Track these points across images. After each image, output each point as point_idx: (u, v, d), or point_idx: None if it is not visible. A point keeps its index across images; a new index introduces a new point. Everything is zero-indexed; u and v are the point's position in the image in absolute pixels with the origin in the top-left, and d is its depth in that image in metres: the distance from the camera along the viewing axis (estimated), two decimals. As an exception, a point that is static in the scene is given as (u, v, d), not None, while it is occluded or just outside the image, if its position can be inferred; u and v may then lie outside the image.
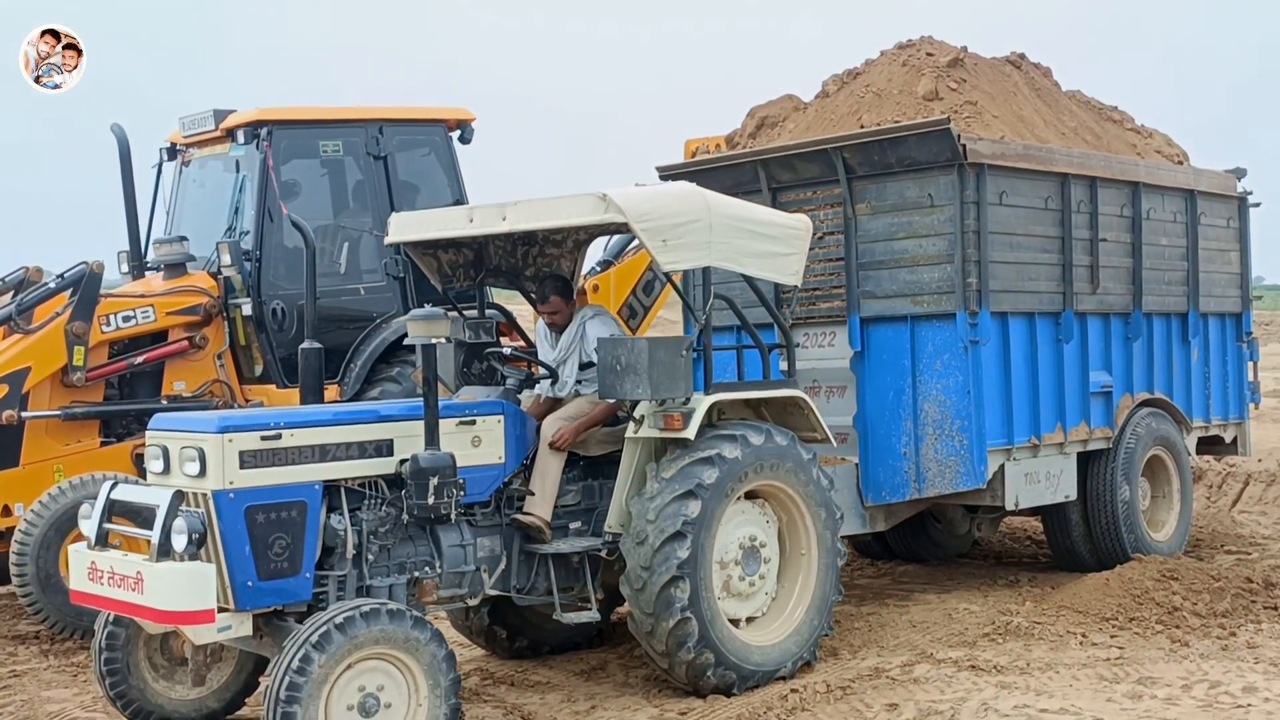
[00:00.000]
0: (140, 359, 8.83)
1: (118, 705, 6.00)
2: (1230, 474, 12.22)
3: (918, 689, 6.41)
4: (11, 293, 8.89)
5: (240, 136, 9.22)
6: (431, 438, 5.96)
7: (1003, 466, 7.99)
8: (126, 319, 8.71)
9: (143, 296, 8.92)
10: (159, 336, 8.98)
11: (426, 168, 9.88)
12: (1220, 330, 9.83)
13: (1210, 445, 10.04)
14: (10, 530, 7.99)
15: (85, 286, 8.49)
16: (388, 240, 7.29)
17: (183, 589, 5.26)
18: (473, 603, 6.49)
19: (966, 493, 7.96)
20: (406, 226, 7.14)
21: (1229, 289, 9.90)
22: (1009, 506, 8.13)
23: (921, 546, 9.68)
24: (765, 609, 6.83)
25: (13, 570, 7.74)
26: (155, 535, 5.38)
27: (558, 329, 7.15)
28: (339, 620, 5.21)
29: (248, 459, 5.58)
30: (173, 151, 10.01)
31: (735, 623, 6.67)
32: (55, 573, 7.67)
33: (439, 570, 6.16)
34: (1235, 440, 10.07)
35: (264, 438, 5.66)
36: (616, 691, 6.69)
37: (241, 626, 5.58)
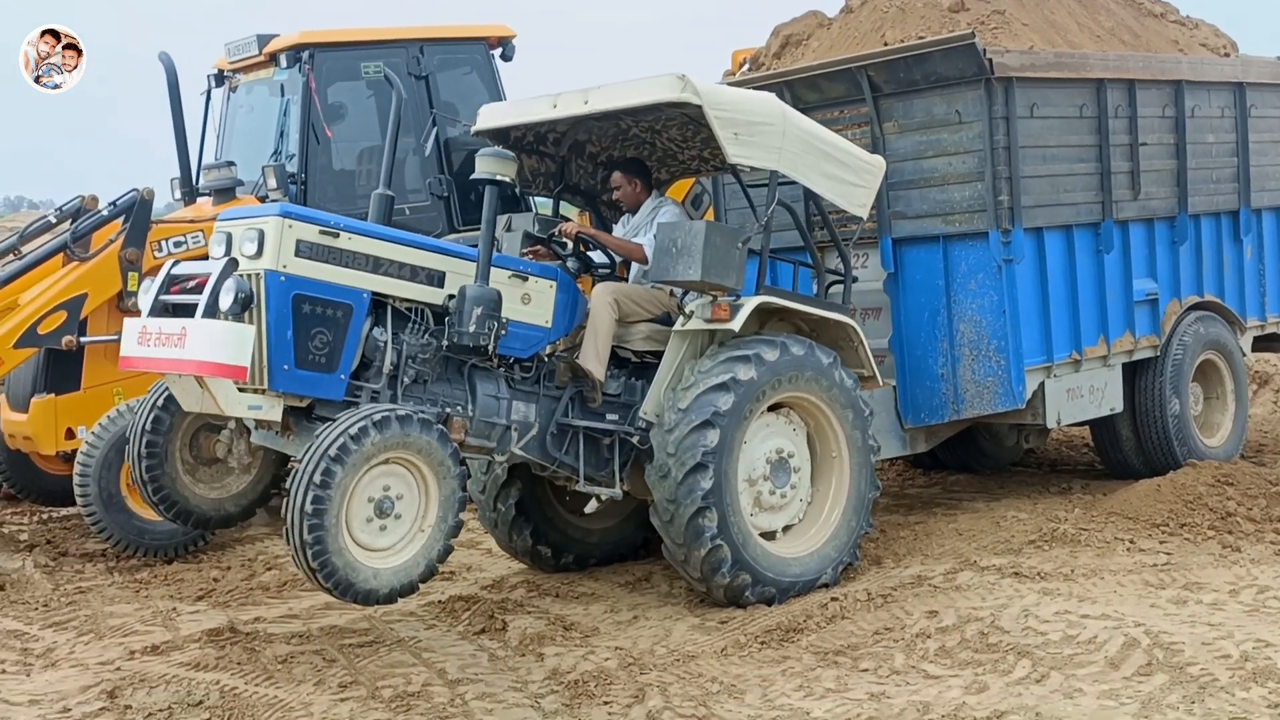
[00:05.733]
0: (192, 284, 8.94)
1: (148, 489, 6.23)
2: (1301, 377, 11.98)
3: (959, 596, 6.42)
4: (69, 221, 9.04)
5: (283, 61, 9.27)
6: (483, 274, 6.10)
7: (1042, 385, 7.87)
8: (178, 244, 8.83)
9: (193, 222, 9.03)
10: (211, 261, 9.10)
11: (468, 86, 9.86)
12: (1276, 224, 9.54)
13: (1270, 343, 9.82)
14: (74, 453, 8.22)
15: (137, 213, 8.62)
16: (475, 129, 7.35)
17: (220, 342, 5.46)
18: (500, 459, 6.57)
19: (1007, 412, 7.87)
20: (494, 114, 7.25)
21: (1285, 180, 9.58)
22: (1050, 425, 8.05)
23: (971, 458, 9.61)
24: (801, 515, 6.85)
25: (76, 491, 7.97)
26: (204, 296, 5.60)
27: (627, 210, 7.29)
28: (353, 431, 5.32)
29: (304, 248, 5.78)
30: (220, 78, 10.09)
31: (771, 535, 6.71)
32: (117, 492, 7.91)
33: (471, 414, 6.26)
34: None
35: (322, 232, 5.85)
36: (659, 602, 6.77)
37: (272, 410, 5.78)
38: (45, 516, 9.42)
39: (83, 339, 8.46)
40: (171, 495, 6.25)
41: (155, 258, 8.74)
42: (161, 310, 5.93)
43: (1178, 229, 8.72)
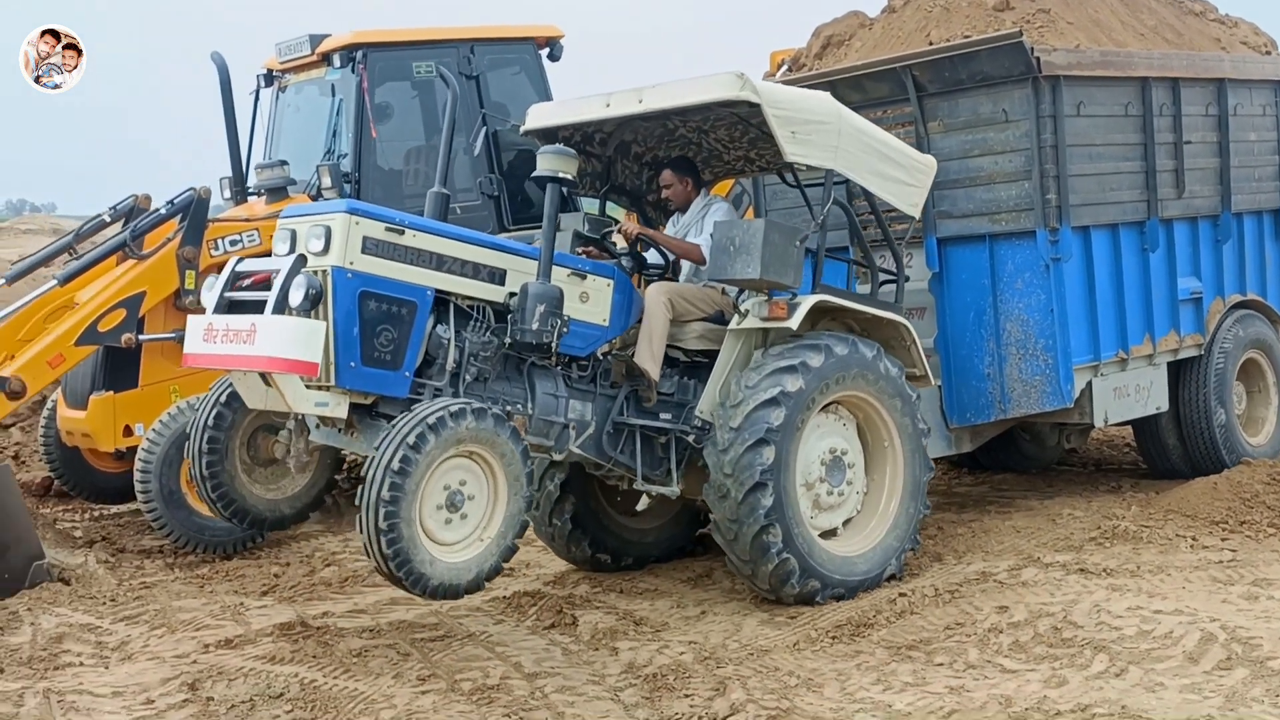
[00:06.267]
0: (248, 281, 9.00)
1: (206, 486, 6.28)
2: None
3: (1027, 592, 6.44)
4: (123, 220, 9.09)
5: (336, 60, 9.33)
6: (545, 272, 6.15)
7: (1090, 383, 7.88)
8: (233, 243, 8.87)
9: (248, 220, 9.07)
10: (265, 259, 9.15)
11: (517, 86, 9.92)
12: None
13: None
14: (133, 450, 8.27)
15: (194, 212, 8.66)
16: (524, 128, 7.37)
17: (291, 338, 5.51)
18: (558, 458, 6.59)
19: (1054, 411, 7.88)
20: (545, 114, 7.27)
21: (1325, 178, 9.59)
22: (1098, 424, 8.06)
23: (1012, 460, 9.61)
24: (859, 506, 6.85)
25: (137, 487, 8.04)
26: (273, 292, 5.62)
27: (676, 208, 7.34)
28: (454, 409, 5.41)
29: (370, 245, 5.81)
30: (270, 78, 10.14)
31: (832, 531, 6.72)
32: (178, 489, 7.98)
33: (530, 411, 6.29)
34: None
35: (388, 229, 5.88)
36: (725, 597, 6.80)
37: (338, 407, 5.80)
38: (98, 514, 9.49)
39: (141, 337, 8.51)
40: (229, 493, 6.31)
41: (212, 256, 8.79)
42: (226, 307, 5.97)
43: (1221, 227, 8.75)
